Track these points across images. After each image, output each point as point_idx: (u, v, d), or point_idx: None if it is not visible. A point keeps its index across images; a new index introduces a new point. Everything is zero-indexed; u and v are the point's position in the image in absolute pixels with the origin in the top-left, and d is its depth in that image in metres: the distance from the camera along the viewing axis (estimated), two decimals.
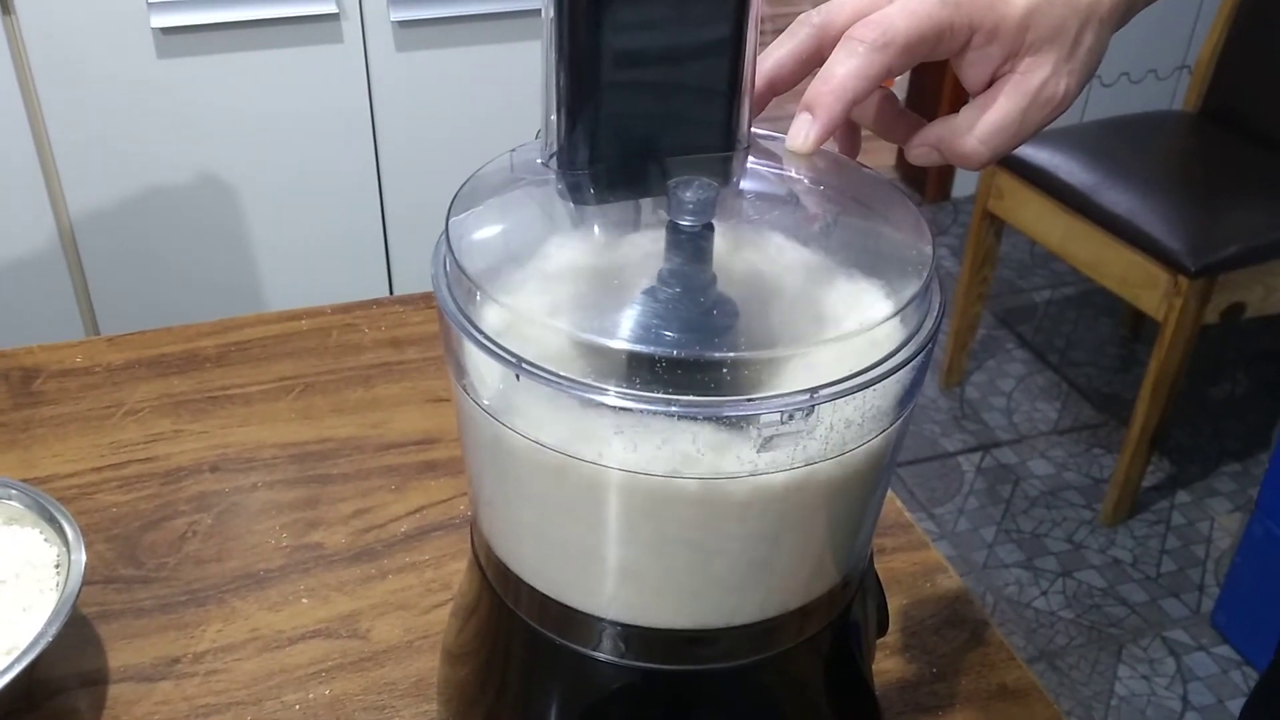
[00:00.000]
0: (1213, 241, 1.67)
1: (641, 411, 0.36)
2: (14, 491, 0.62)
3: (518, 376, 0.37)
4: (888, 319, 0.38)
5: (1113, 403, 2.18)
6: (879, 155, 2.69)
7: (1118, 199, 1.77)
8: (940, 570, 0.70)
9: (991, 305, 2.41)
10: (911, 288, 0.39)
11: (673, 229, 0.39)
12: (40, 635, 0.55)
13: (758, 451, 0.37)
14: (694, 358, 0.36)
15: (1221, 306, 1.71)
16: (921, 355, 0.39)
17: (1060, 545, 1.86)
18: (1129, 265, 1.75)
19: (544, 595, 0.43)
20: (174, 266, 1.69)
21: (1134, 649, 1.69)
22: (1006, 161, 1.91)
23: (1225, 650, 1.69)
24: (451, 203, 0.42)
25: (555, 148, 0.43)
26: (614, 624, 0.42)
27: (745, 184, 0.46)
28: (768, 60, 0.46)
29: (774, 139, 0.46)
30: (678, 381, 0.35)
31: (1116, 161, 1.86)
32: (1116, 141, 1.96)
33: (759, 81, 0.45)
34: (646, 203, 0.43)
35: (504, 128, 1.68)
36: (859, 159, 0.48)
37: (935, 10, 0.43)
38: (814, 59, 0.45)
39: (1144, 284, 1.73)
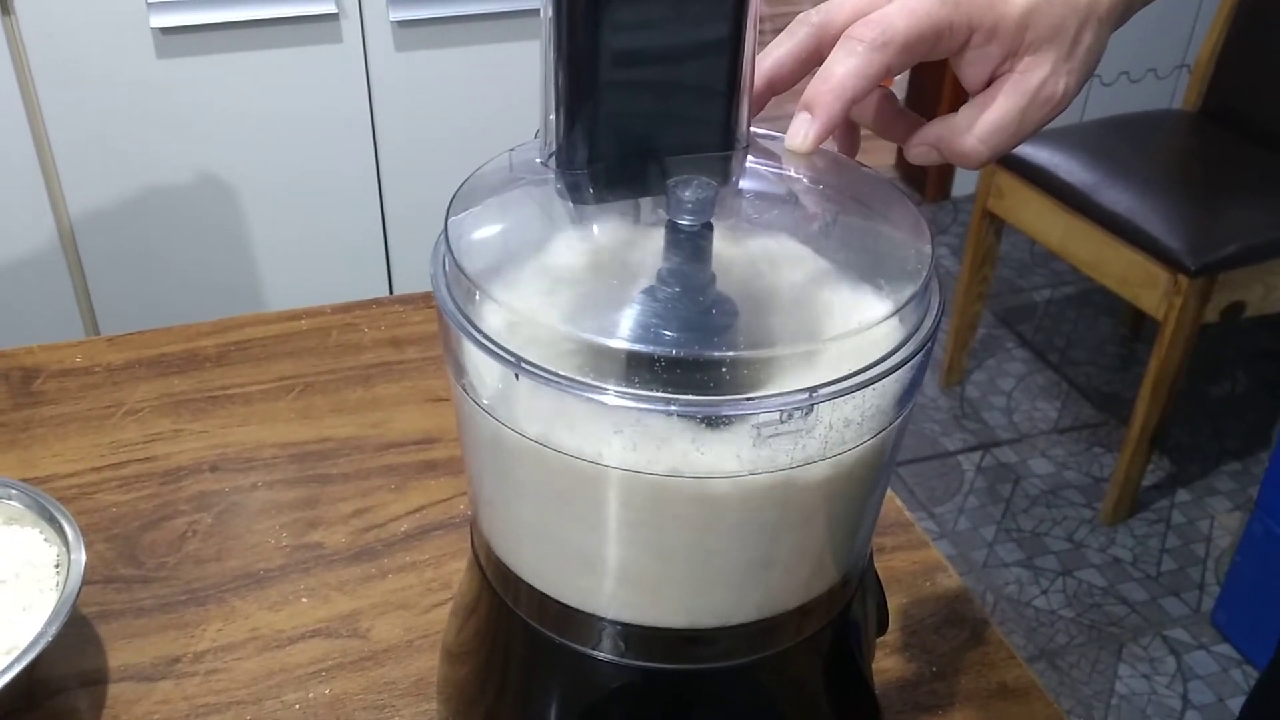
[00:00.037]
0: (1212, 240, 1.67)
1: (640, 411, 0.36)
2: (14, 491, 0.62)
3: (517, 376, 0.37)
4: (886, 318, 0.38)
5: (1113, 402, 2.18)
6: (878, 154, 2.69)
7: (1117, 198, 1.77)
8: (940, 569, 0.70)
9: (991, 304, 2.41)
10: (910, 287, 0.39)
11: (672, 228, 0.39)
12: (40, 635, 0.55)
13: (757, 450, 0.37)
14: (693, 357, 0.36)
15: (1221, 305, 1.71)
16: (920, 354, 0.39)
17: (1060, 544, 1.86)
18: (1129, 264, 1.75)
19: (543, 594, 0.43)
20: (174, 266, 1.70)
21: (1134, 648, 1.69)
22: (1006, 161, 1.91)
23: (1225, 649, 1.69)
24: (450, 202, 0.42)
25: (554, 147, 0.43)
26: (613, 623, 0.42)
27: (744, 183, 0.46)
28: (767, 59, 0.46)
29: (773, 138, 0.46)
30: (677, 381, 0.35)
31: (1116, 161, 1.86)
32: (1116, 141, 1.96)
33: (758, 81, 0.45)
34: (645, 202, 0.43)
35: (504, 127, 1.68)
36: (858, 158, 0.48)
37: (934, 9, 0.43)
38: (813, 58, 0.45)
39: (1144, 283, 1.73)
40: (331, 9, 1.57)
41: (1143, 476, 1.90)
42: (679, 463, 0.37)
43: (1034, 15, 0.44)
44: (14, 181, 1.56)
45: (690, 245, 0.39)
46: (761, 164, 0.46)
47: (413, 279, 1.81)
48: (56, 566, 0.60)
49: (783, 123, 0.45)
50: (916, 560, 0.70)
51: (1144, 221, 1.72)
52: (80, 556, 0.59)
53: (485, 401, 0.40)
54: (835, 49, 0.43)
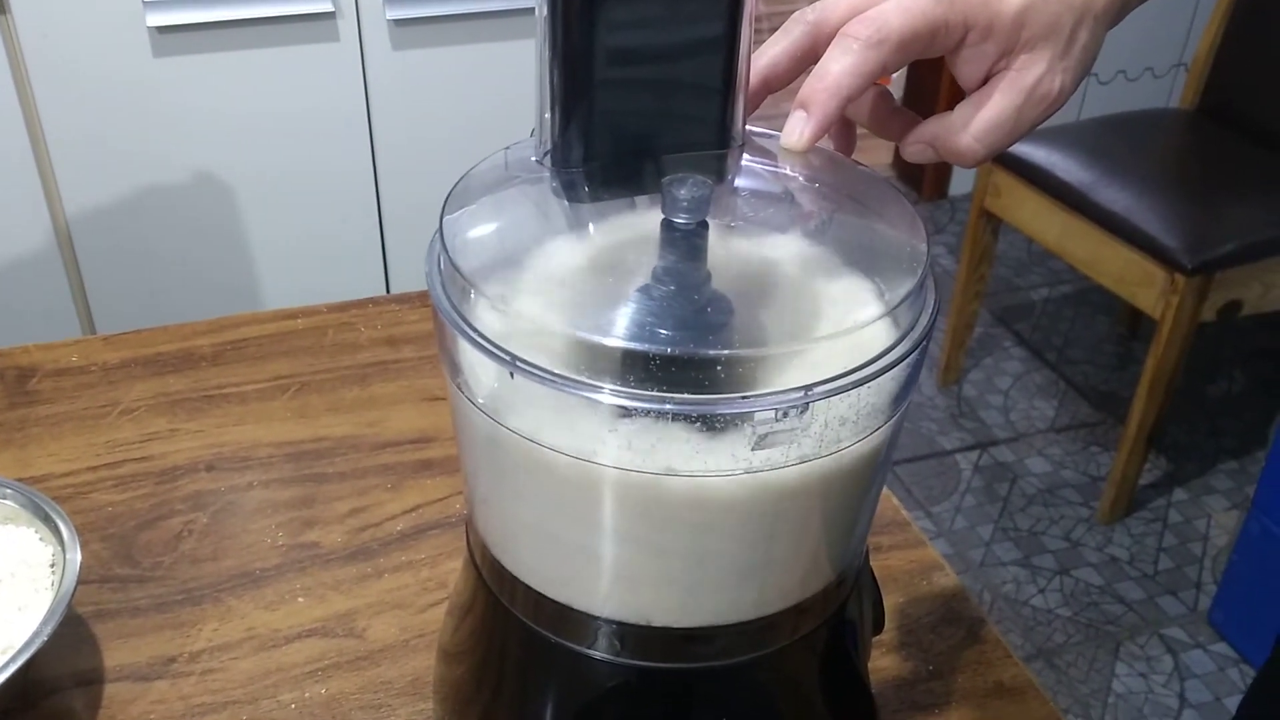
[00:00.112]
0: (1210, 239, 1.68)
1: (636, 409, 0.36)
2: (9, 491, 0.62)
3: (512, 375, 0.37)
4: (882, 316, 0.38)
5: (1110, 400, 2.18)
6: (875, 153, 2.70)
7: (1115, 197, 1.77)
8: (937, 568, 0.70)
9: (989, 303, 2.41)
10: (906, 285, 0.39)
11: (667, 226, 0.39)
12: (35, 634, 0.55)
13: (752, 449, 0.37)
14: (688, 355, 0.36)
15: (1218, 304, 1.71)
16: (916, 353, 0.39)
17: (1057, 543, 1.86)
18: (1126, 263, 1.75)
19: (539, 593, 0.43)
20: (170, 265, 1.69)
21: (1131, 646, 1.69)
22: (1003, 159, 1.91)
23: (1222, 648, 1.69)
24: (445, 201, 0.42)
25: (549, 145, 0.43)
26: (609, 622, 0.42)
27: (740, 181, 0.46)
28: (762, 58, 0.46)
29: (769, 136, 0.46)
30: (672, 379, 0.35)
31: (1113, 159, 1.86)
32: (1113, 139, 1.96)
33: (753, 79, 0.45)
34: (641, 200, 0.43)
35: (500, 125, 1.68)
36: (854, 156, 0.48)
37: (930, 7, 0.42)
38: (809, 56, 0.45)
39: (1141, 282, 1.74)
40: (328, 7, 1.57)
41: (1140, 475, 1.90)
42: (674, 461, 0.37)
43: (1030, 13, 0.44)
44: (10, 180, 1.56)
45: (685, 243, 0.39)
46: (757, 162, 0.46)
47: (410, 278, 1.81)
48: (52, 566, 0.60)
49: (778, 121, 0.45)
50: (913, 559, 0.70)
51: (1141, 220, 1.72)
52: (76, 556, 0.59)
53: (481, 400, 0.40)
54: (830, 47, 0.43)
